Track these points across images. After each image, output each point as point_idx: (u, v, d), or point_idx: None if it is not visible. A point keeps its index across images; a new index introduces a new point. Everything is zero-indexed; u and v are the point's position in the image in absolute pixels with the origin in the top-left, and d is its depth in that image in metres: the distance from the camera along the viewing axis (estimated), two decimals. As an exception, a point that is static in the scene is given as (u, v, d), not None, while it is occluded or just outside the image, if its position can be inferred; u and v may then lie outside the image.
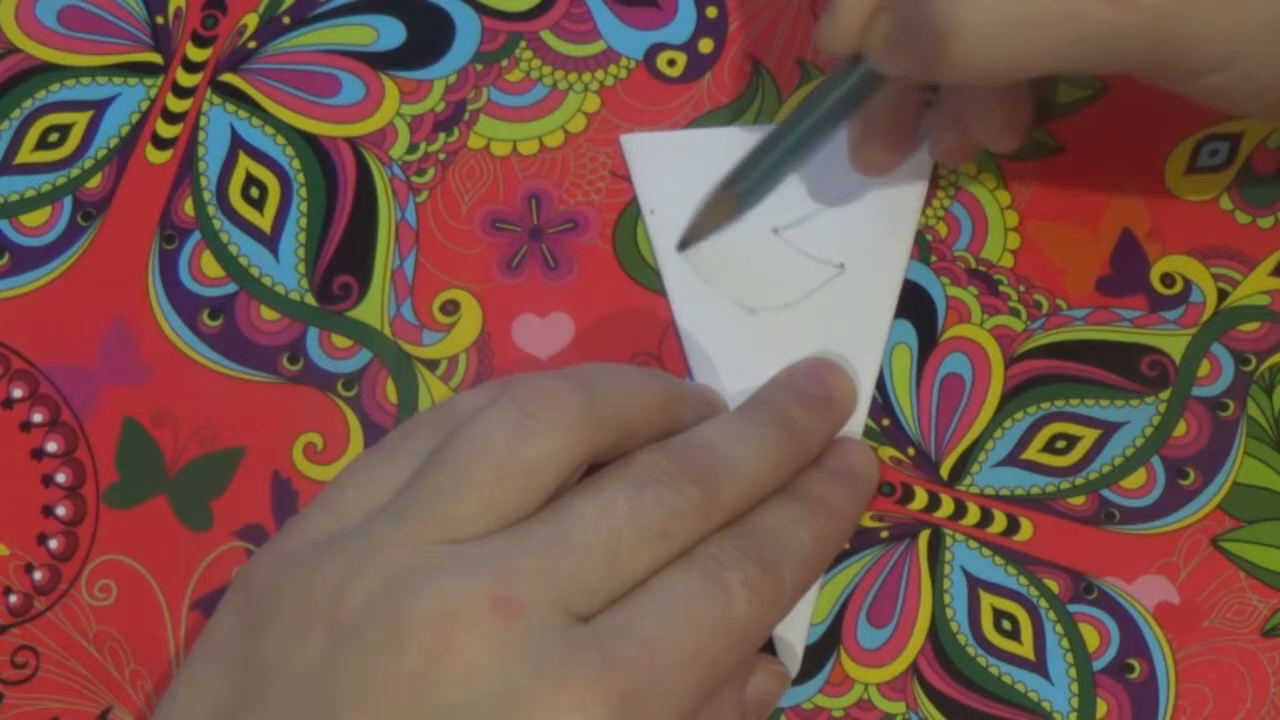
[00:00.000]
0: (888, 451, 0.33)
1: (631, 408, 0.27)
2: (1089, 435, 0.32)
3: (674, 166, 0.33)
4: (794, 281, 0.33)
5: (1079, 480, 0.32)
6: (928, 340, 0.33)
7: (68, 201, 0.34)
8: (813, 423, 0.30)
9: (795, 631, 0.31)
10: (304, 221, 0.34)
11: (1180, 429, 0.32)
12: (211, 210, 0.34)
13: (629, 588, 0.26)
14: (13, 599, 0.33)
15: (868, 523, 0.32)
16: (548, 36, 0.34)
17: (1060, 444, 0.32)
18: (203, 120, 0.34)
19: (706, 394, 0.31)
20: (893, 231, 0.33)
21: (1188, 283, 0.33)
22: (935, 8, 0.25)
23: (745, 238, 0.33)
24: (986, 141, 0.31)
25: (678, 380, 0.31)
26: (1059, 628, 0.32)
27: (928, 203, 0.33)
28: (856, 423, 0.32)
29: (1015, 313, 0.33)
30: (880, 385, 0.33)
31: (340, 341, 0.33)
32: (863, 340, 0.32)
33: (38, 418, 0.33)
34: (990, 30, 0.25)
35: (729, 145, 0.33)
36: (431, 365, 0.33)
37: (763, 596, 0.26)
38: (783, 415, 0.30)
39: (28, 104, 0.34)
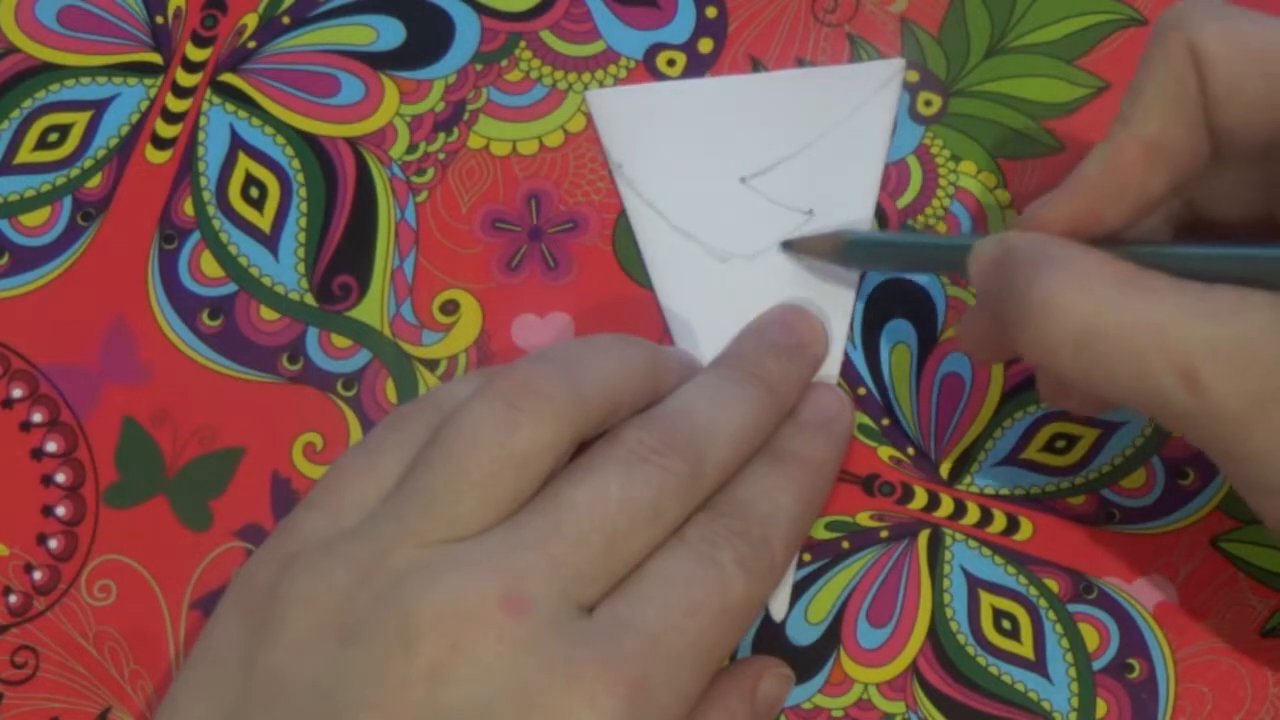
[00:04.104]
0: (887, 451, 0.33)
1: (615, 385, 0.28)
2: (1088, 435, 0.32)
3: (641, 119, 0.34)
4: (764, 229, 0.33)
5: (1079, 480, 0.32)
6: (928, 340, 0.33)
7: (67, 201, 0.34)
8: (787, 372, 0.30)
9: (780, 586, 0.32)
10: (304, 221, 0.34)
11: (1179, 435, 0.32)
12: (211, 210, 0.34)
13: (627, 571, 0.26)
14: (12, 599, 0.33)
15: (867, 522, 0.32)
16: (547, 36, 0.34)
17: (1060, 443, 0.32)
18: (202, 120, 0.34)
19: (684, 355, 0.32)
20: (859, 176, 0.33)
21: (1187, 282, 0.33)
22: (1032, 295, 0.24)
23: (714, 187, 0.33)
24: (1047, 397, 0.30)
25: (656, 345, 0.31)
26: (1059, 627, 0.32)
27: (927, 199, 0.33)
28: (831, 365, 0.32)
29: (1015, 312, 0.33)
30: (880, 384, 0.33)
31: (340, 341, 0.33)
32: (835, 284, 0.33)
33: (37, 418, 0.33)
34: (1066, 347, 0.24)
35: (694, 96, 0.34)
36: (431, 365, 0.33)
37: (756, 574, 0.27)
38: (758, 370, 0.30)
39: (27, 104, 0.34)
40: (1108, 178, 0.25)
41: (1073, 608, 0.32)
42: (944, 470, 0.32)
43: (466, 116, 0.34)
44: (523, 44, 0.34)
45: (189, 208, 0.34)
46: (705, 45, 0.34)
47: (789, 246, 0.32)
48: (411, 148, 0.34)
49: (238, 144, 0.34)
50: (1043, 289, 0.24)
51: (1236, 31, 0.24)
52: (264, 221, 0.34)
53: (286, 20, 0.35)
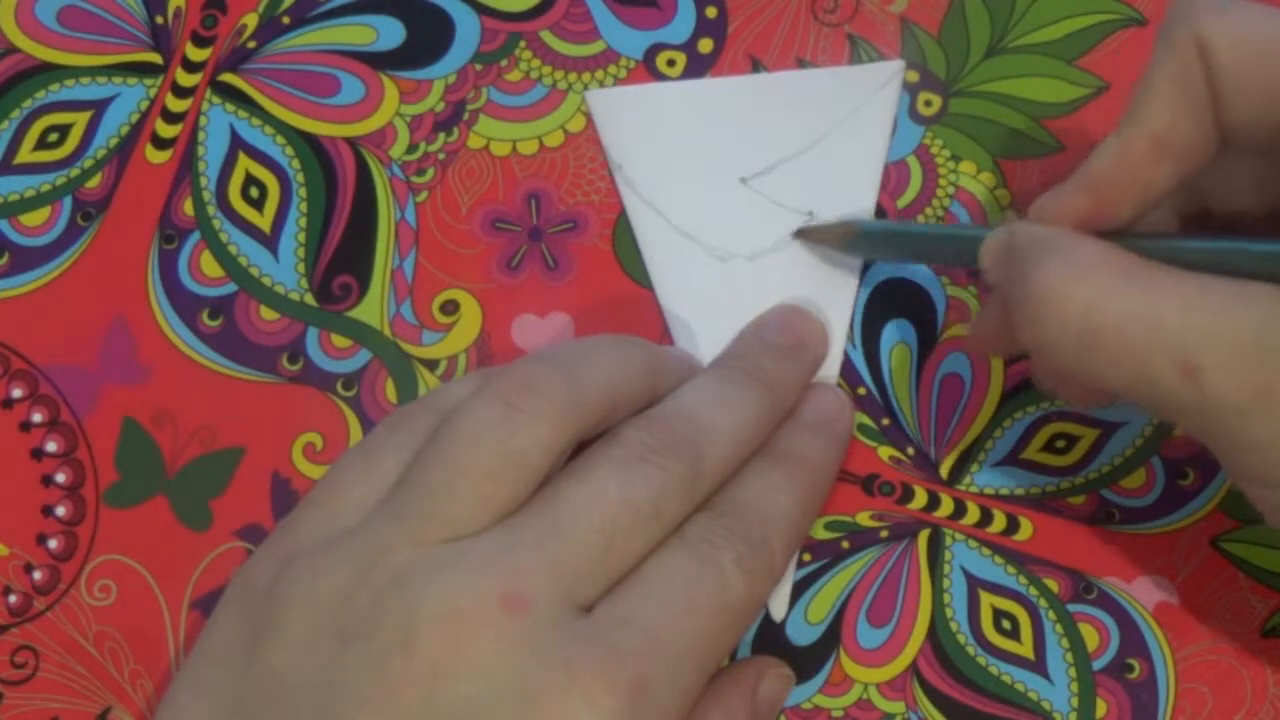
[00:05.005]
0: (887, 451, 0.33)
1: (613, 384, 0.28)
2: (1088, 435, 0.32)
3: (641, 119, 0.34)
4: (764, 229, 0.33)
5: (1078, 480, 0.32)
6: (927, 340, 0.33)
7: (67, 201, 0.34)
8: (786, 373, 0.30)
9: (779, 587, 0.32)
10: (304, 221, 0.34)
11: (1179, 429, 0.32)
12: (211, 210, 0.34)
13: (626, 571, 0.26)
14: (12, 599, 0.33)
15: (867, 522, 0.32)
16: (547, 36, 0.34)
17: (1060, 443, 0.32)
18: (202, 120, 0.34)
19: (683, 355, 0.32)
20: (859, 177, 0.33)
21: (1187, 282, 0.33)
22: (1033, 283, 0.25)
23: (714, 187, 0.33)
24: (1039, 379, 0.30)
25: (655, 346, 0.31)
26: (1059, 627, 0.32)
27: (927, 199, 0.33)
28: (831, 365, 0.32)
29: (1015, 312, 0.33)
30: (880, 384, 0.33)
31: (340, 341, 0.33)
32: (835, 285, 0.33)
33: (37, 418, 0.33)
34: (1066, 337, 0.24)
35: (694, 96, 0.34)
36: (431, 365, 0.33)
37: (756, 574, 0.27)
38: (757, 371, 0.30)
39: (28, 104, 0.34)
40: (1116, 171, 0.25)
41: (1073, 608, 0.32)
42: (944, 470, 0.32)
43: (466, 116, 0.34)
44: (523, 44, 0.34)
45: (189, 208, 0.34)
46: (705, 45, 0.34)
47: (802, 234, 0.33)
48: (411, 148, 0.34)
49: (238, 144, 0.34)
50: (1044, 278, 0.24)
51: (1244, 26, 0.24)
52: (264, 221, 0.34)
53: (286, 20, 0.35)
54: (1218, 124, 0.25)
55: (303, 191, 0.34)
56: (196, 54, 0.34)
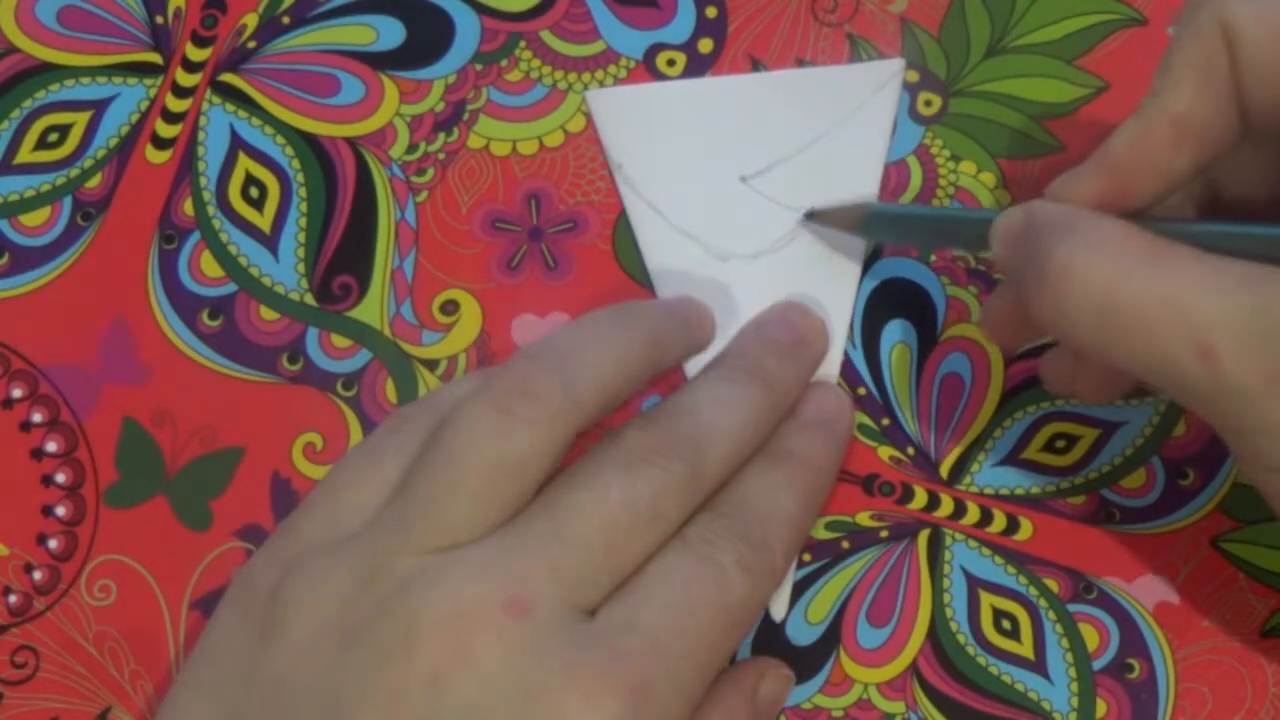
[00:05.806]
0: (887, 451, 0.33)
1: (611, 378, 0.27)
2: (1088, 435, 0.32)
3: (641, 119, 0.34)
4: (764, 229, 0.33)
5: (1078, 480, 0.32)
6: (928, 340, 0.33)
7: (67, 201, 0.34)
8: (787, 371, 0.30)
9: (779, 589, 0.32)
10: (304, 221, 0.34)
11: (1179, 429, 0.32)
12: (211, 210, 0.34)
13: (628, 573, 0.26)
14: (12, 599, 0.33)
15: (867, 522, 0.32)
16: (547, 36, 0.34)
17: (1060, 443, 0.32)
18: (202, 120, 0.34)
19: (689, 310, 0.31)
20: (859, 176, 0.33)
21: (1187, 282, 0.33)
22: (1053, 260, 0.24)
23: (714, 187, 0.33)
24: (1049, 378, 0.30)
25: (656, 313, 0.30)
26: (1059, 627, 0.32)
27: (927, 199, 0.33)
28: (831, 365, 0.32)
29: (1015, 312, 0.33)
30: (880, 384, 0.33)
31: (340, 341, 0.33)
32: (835, 284, 0.33)
33: (37, 418, 0.33)
34: (1084, 315, 0.24)
35: (694, 96, 0.34)
36: (431, 365, 0.33)
37: (757, 575, 0.27)
38: (758, 369, 0.30)
39: (27, 104, 0.34)
40: (1135, 154, 0.25)
41: (1073, 608, 0.32)
42: (944, 470, 0.33)
43: (466, 116, 0.34)
44: (523, 44, 0.34)
45: (189, 208, 0.34)
46: (705, 45, 0.34)
47: (813, 216, 0.32)
48: (411, 148, 0.34)
49: (238, 144, 0.34)
50: (1064, 256, 0.24)
51: (1269, 9, 0.24)
52: (264, 221, 0.34)
53: (286, 20, 0.35)
54: (1239, 108, 0.24)
55: (303, 191, 0.34)
56: (196, 54, 0.34)
